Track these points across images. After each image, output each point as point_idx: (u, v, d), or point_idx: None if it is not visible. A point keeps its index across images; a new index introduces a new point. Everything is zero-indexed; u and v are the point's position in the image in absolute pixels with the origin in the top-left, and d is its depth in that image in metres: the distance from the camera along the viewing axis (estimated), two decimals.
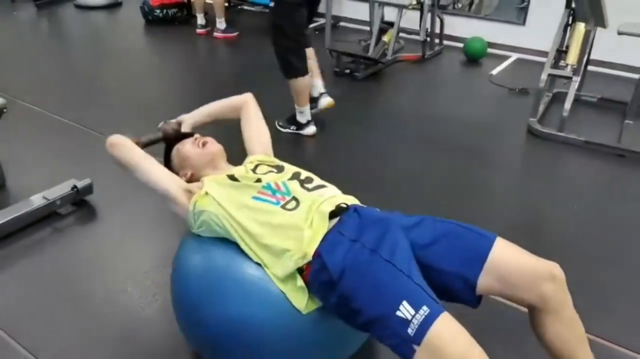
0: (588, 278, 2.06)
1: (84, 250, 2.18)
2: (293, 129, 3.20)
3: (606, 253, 2.24)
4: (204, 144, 1.66)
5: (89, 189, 2.44)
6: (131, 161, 1.58)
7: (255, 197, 1.40)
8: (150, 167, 1.57)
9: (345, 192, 1.53)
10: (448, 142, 3.22)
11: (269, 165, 1.58)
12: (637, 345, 1.74)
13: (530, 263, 1.27)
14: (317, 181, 1.51)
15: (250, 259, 1.36)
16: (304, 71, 2.99)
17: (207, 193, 1.45)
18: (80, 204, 2.44)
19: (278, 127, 3.22)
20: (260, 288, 1.33)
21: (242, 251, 1.38)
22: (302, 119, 3.17)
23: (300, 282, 1.29)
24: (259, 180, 1.46)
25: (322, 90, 3.28)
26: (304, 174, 1.52)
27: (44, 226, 2.28)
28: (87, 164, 2.73)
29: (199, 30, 5.27)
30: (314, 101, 3.24)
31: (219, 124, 1.89)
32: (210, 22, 5.26)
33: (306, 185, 1.45)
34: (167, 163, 1.73)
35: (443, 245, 1.29)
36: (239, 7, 6.24)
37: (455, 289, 1.28)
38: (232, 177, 1.49)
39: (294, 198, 1.38)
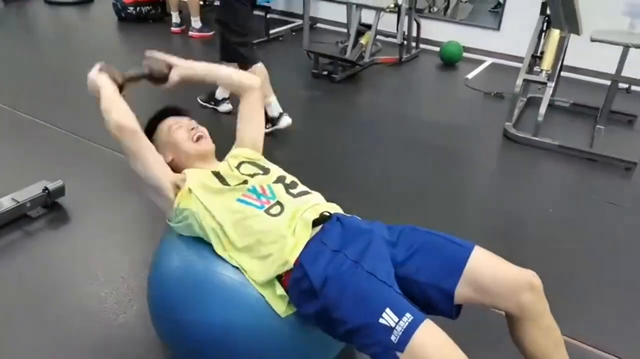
0: (561, 279, 2.10)
1: (55, 254, 2.11)
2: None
3: (579, 255, 2.29)
4: (198, 139, 1.54)
5: (60, 191, 2.37)
6: (133, 148, 1.41)
7: (239, 200, 1.36)
8: (151, 160, 1.43)
9: (322, 193, 1.51)
10: (424, 145, 3.24)
11: (255, 165, 1.53)
12: (607, 345, 1.77)
13: (509, 273, 1.28)
14: (301, 186, 1.48)
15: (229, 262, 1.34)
16: (255, 60, 3.05)
17: (190, 191, 1.39)
18: (51, 206, 2.36)
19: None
20: (241, 292, 1.30)
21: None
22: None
23: (280, 290, 1.28)
24: (245, 182, 1.42)
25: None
26: (289, 178, 1.50)
27: (13, 229, 2.20)
28: (58, 165, 2.65)
29: (173, 29, 5.19)
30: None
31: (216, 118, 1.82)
32: (185, 20, 5.18)
33: (291, 190, 1.42)
34: (149, 133, 1.54)
35: (421, 257, 1.30)
36: (214, 5, 6.16)
37: (434, 300, 1.28)
38: (217, 175, 1.44)
39: (279, 203, 1.35)
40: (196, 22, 5.06)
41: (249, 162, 1.53)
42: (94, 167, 2.75)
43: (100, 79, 1.47)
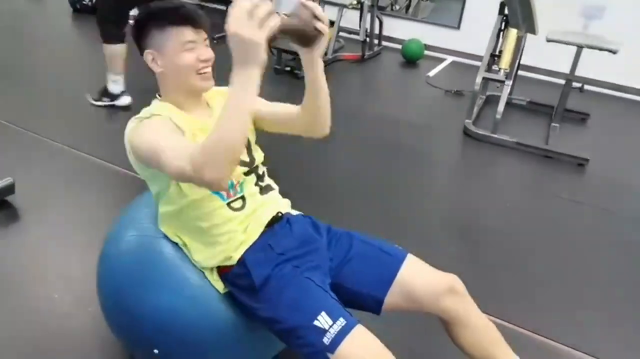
0: (518, 270, 2.15)
1: (4, 255, 2.01)
2: (107, 101, 3.24)
3: (534, 247, 2.35)
4: (204, 74, 1.26)
5: (10, 188, 2.26)
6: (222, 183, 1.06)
7: (213, 191, 1.28)
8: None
9: (280, 190, 1.48)
10: (386, 141, 3.27)
11: (246, 151, 1.35)
12: (559, 335, 1.82)
13: (432, 279, 1.32)
14: (268, 179, 1.43)
15: (178, 250, 1.32)
16: (120, 39, 3.07)
17: None
18: (0, 205, 2.25)
19: (91, 102, 3.25)
20: (187, 278, 1.31)
21: (168, 241, 1.33)
22: (115, 89, 3.21)
23: (216, 276, 1.30)
24: None
25: (123, 89, 3.24)
26: (261, 168, 1.41)
27: None
28: (8, 162, 2.53)
29: (132, 22, 5.04)
30: (112, 97, 3.22)
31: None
32: None
33: (260, 183, 1.37)
34: (145, 26, 1.24)
35: (355, 265, 1.34)
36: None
37: (361, 304, 1.34)
38: None
39: (243, 198, 1.32)
40: None
41: (248, 146, 1.37)
42: (46, 163, 2.64)
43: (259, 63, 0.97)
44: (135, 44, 1.30)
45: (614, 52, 3.31)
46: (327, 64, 4.39)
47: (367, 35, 4.67)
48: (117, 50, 3.09)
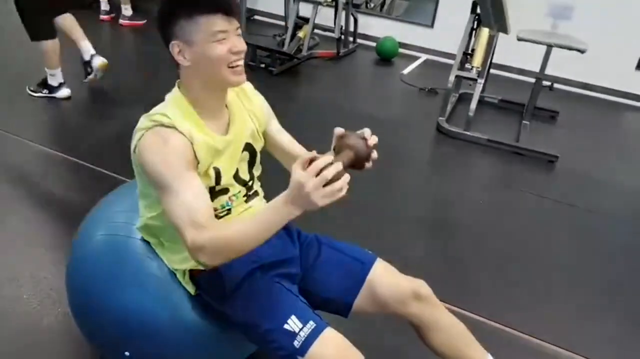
0: (487, 265, 2.20)
1: None
2: (45, 93, 3.29)
3: (504, 242, 2.40)
4: (236, 67, 1.17)
5: None
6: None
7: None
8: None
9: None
10: None
11: (251, 160, 1.33)
12: (530, 328, 1.87)
13: (398, 285, 1.34)
14: (255, 185, 1.38)
15: (149, 250, 1.30)
16: (51, 35, 3.11)
17: None
18: None
19: (29, 93, 3.29)
20: (158, 279, 1.29)
21: (139, 241, 1.32)
22: (54, 81, 3.25)
23: (187, 278, 1.29)
24: (226, 190, 1.26)
25: (93, 52, 3.32)
26: (255, 185, 1.38)
27: None
28: None
29: (102, 16, 4.95)
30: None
31: None
32: (115, 8, 4.96)
33: (248, 193, 1.34)
34: (172, 15, 1.13)
35: (323, 272, 1.35)
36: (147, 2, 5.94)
37: (332, 310, 1.36)
38: (217, 173, 1.21)
39: (229, 211, 1.28)
40: (127, 10, 4.85)
41: (250, 153, 1.32)
42: (12, 161, 2.57)
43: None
44: (160, 34, 1.17)
45: (582, 51, 3.39)
46: (302, 61, 4.38)
47: (342, 33, 4.68)
48: (49, 46, 3.12)
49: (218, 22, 1.12)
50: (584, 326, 1.94)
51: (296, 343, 1.13)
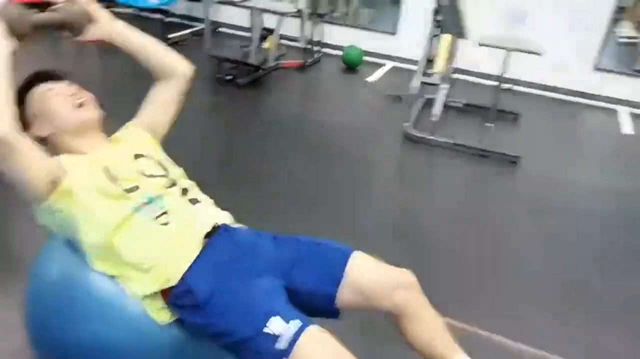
0: (456, 268, 2.24)
1: None
2: None
3: (472, 245, 2.45)
4: (80, 105, 1.30)
5: None
6: (9, 136, 1.11)
7: (135, 208, 1.24)
8: (31, 153, 1.17)
9: (225, 198, 1.47)
10: (328, 147, 3.31)
11: (154, 162, 1.37)
12: (502, 329, 1.91)
13: (383, 274, 1.33)
14: (196, 191, 1.40)
15: (108, 279, 1.23)
16: None
17: (70, 192, 1.21)
18: None
19: None
20: (120, 305, 1.22)
21: (98, 273, 1.24)
22: None
23: (161, 303, 1.23)
24: (136, 187, 1.27)
25: None
26: (185, 181, 1.40)
27: None
28: None
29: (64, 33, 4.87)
30: None
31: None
32: None
33: (185, 196, 1.34)
34: (20, 99, 1.27)
35: (304, 267, 1.33)
36: (109, 10, 5.86)
37: (318, 306, 1.32)
38: (106, 171, 1.26)
39: (168, 212, 1.27)
40: None
41: (148, 157, 1.37)
42: None
43: None
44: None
45: (538, 54, 3.51)
46: (268, 71, 4.40)
47: (307, 43, 4.72)
48: None
49: (43, 87, 1.33)
50: (552, 325, 1.99)
51: (280, 345, 1.09)
